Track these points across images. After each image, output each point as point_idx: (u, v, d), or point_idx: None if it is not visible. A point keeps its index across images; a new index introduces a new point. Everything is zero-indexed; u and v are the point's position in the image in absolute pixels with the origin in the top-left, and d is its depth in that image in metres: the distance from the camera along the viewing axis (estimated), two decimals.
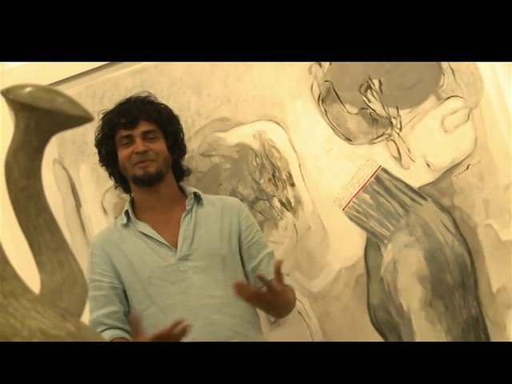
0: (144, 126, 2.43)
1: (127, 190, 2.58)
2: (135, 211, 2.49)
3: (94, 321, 2.35)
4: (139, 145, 2.41)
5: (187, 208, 2.45)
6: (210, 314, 2.31)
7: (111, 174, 2.58)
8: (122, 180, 2.56)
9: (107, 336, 2.32)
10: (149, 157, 2.41)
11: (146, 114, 2.45)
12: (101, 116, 2.52)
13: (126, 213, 2.47)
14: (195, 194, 2.50)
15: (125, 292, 2.41)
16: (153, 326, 2.32)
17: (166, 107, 2.57)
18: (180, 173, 2.59)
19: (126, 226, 2.46)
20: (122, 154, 2.45)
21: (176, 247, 2.40)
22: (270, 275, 2.45)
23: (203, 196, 2.50)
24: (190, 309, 2.31)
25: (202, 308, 2.33)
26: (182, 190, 2.55)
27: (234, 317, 2.35)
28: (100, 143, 2.53)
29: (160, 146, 2.45)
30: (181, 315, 2.29)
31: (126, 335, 2.35)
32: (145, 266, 2.38)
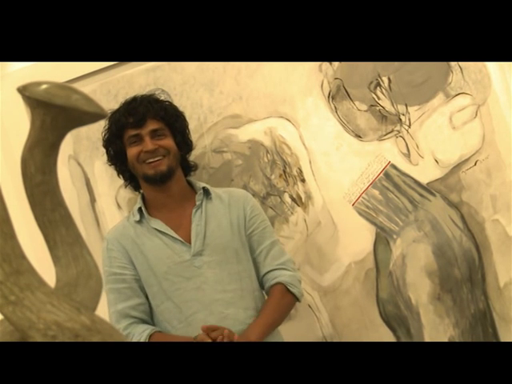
0: (152, 125, 2.42)
1: (137, 187, 2.57)
2: (147, 208, 2.48)
3: (120, 312, 2.35)
4: (148, 144, 2.40)
5: (197, 203, 2.45)
6: (223, 309, 2.32)
7: (120, 173, 2.57)
8: (131, 178, 2.55)
9: (143, 332, 2.32)
10: (159, 153, 2.41)
11: (153, 112, 2.43)
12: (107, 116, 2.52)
13: (139, 210, 2.46)
14: (204, 188, 2.49)
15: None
16: (167, 320, 2.36)
17: (171, 104, 2.56)
18: (187, 168, 2.58)
19: (139, 222, 2.45)
20: (131, 152, 2.43)
21: (190, 243, 2.39)
22: (266, 267, 2.45)
23: (212, 190, 2.50)
24: (204, 304, 2.32)
25: (215, 303, 2.34)
26: (190, 184, 2.54)
27: (247, 309, 2.36)
28: (108, 143, 2.51)
29: (169, 142, 2.44)
30: (195, 310, 2.32)
31: (157, 328, 2.36)
32: (160, 261, 2.38)
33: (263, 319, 2.34)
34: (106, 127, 2.51)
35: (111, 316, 2.36)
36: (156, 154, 2.41)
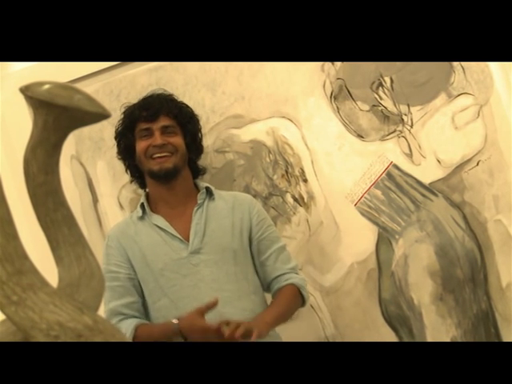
0: (164, 121, 2.45)
1: (142, 184, 2.58)
2: (150, 205, 2.50)
3: (112, 310, 2.36)
4: (157, 138, 2.42)
5: (199, 202, 2.46)
6: (220, 308, 2.28)
7: (127, 168, 2.60)
8: (137, 174, 2.57)
9: (129, 325, 2.33)
10: (167, 149, 2.43)
11: (167, 109, 2.46)
12: (123, 109, 2.55)
13: (142, 206, 2.48)
14: (207, 188, 2.51)
15: (139, 283, 2.42)
16: (163, 317, 2.37)
17: (188, 106, 2.58)
18: (195, 171, 2.60)
19: (141, 218, 2.47)
20: (140, 145, 2.46)
21: (188, 240, 2.41)
22: (277, 271, 2.46)
23: (215, 191, 2.51)
24: (200, 301, 2.29)
25: None
26: (196, 185, 2.55)
27: (244, 310, 2.36)
28: (120, 135, 2.54)
29: (178, 140, 2.46)
30: (191, 307, 2.32)
31: (144, 321, 2.38)
32: (158, 258, 2.39)
33: (277, 306, 2.38)
34: (121, 120, 2.54)
35: (106, 313, 2.37)
36: (163, 150, 2.43)
